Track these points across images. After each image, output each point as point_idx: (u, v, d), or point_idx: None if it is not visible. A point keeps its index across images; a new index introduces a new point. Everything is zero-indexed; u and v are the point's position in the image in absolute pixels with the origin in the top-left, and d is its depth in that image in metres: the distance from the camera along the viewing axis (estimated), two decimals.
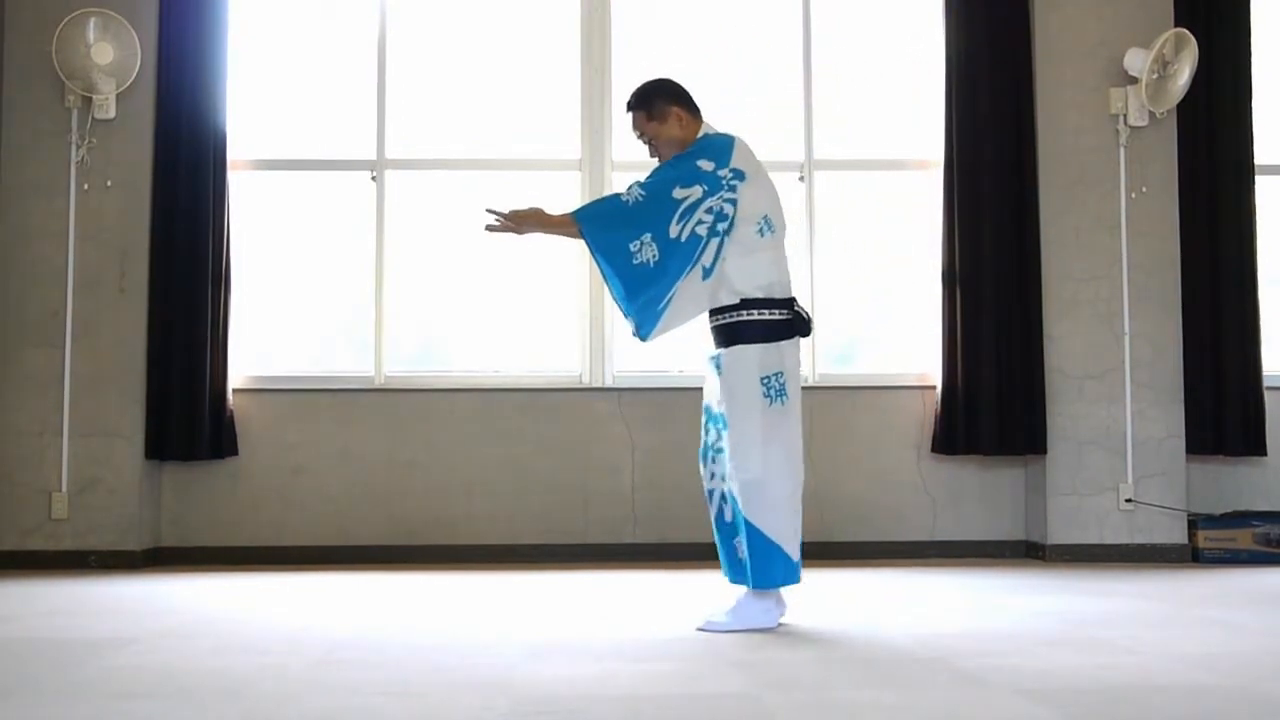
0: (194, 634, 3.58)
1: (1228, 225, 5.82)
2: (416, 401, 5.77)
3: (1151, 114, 5.68)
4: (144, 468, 5.52)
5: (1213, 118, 5.85)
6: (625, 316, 3.67)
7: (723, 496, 3.71)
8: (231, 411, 5.63)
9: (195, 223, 5.56)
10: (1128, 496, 5.60)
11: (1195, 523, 5.63)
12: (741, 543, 3.63)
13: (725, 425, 3.63)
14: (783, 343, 3.61)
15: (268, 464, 5.71)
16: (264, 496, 5.69)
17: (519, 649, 3.29)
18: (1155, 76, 5.59)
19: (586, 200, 5.12)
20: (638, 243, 3.53)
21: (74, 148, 5.55)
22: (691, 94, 3.77)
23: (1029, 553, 5.75)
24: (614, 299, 3.67)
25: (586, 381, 5.82)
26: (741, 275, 3.59)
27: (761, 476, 3.56)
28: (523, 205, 3.66)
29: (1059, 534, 5.60)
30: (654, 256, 3.53)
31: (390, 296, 5.88)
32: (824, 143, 5.98)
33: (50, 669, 3.03)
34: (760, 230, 3.60)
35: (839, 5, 6.08)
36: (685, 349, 5.96)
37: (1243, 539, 5.59)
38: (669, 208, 3.53)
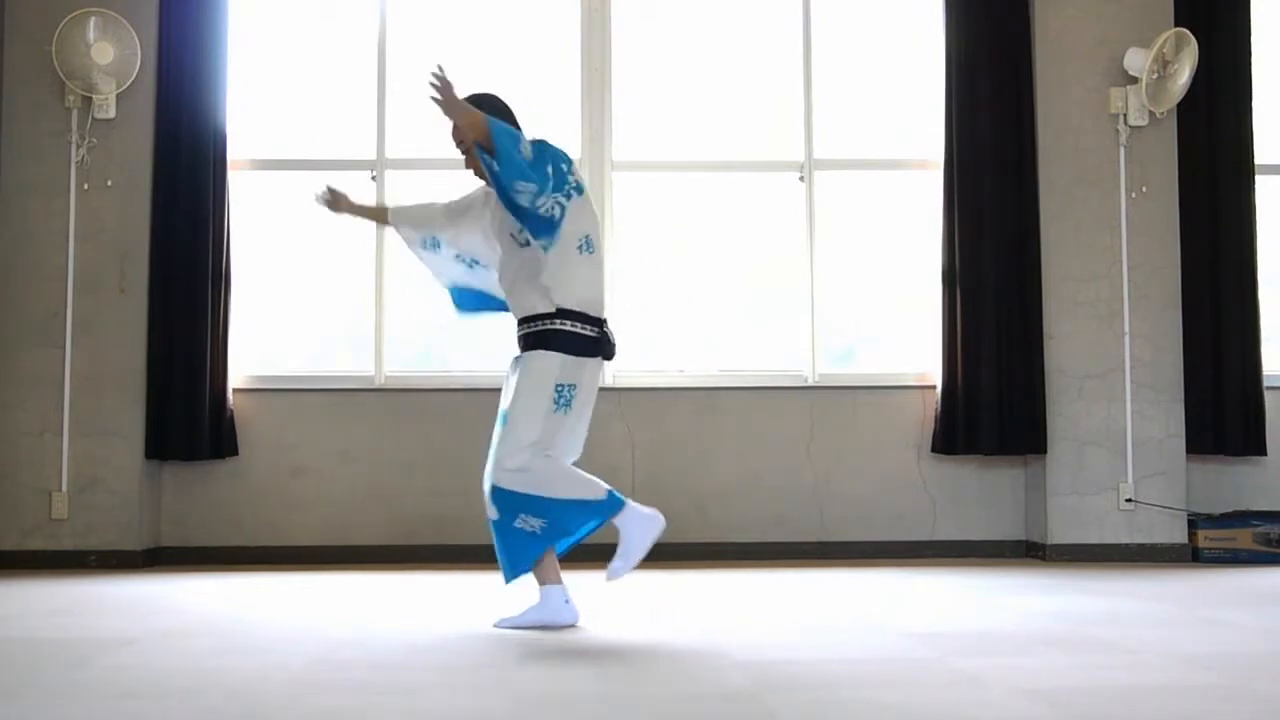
0: (194, 634, 3.58)
1: (1228, 225, 5.82)
2: (416, 401, 5.78)
3: (1151, 114, 5.68)
4: (144, 468, 5.53)
5: (1213, 118, 5.85)
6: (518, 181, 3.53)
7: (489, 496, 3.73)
8: (231, 411, 5.63)
9: (195, 223, 5.56)
10: (1128, 496, 5.60)
11: (1195, 522, 5.63)
12: (526, 519, 3.66)
13: (503, 423, 3.70)
14: (585, 359, 3.68)
15: (268, 464, 5.71)
16: (264, 496, 5.70)
17: (519, 649, 3.29)
18: (1155, 76, 5.59)
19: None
20: (524, 184, 3.49)
21: (74, 148, 5.55)
22: (513, 111, 3.79)
23: (1029, 553, 5.75)
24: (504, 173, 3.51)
25: None
26: (560, 286, 3.65)
27: (528, 464, 3.62)
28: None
29: (1059, 534, 5.60)
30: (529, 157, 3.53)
31: (390, 296, 5.88)
32: (824, 143, 5.99)
33: (50, 669, 3.03)
34: (581, 247, 3.67)
35: (839, 5, 6.08)
36: (685, 349, 5.98)
37: (1243, 539, 5.59)
38: (542, 180, 3.52)
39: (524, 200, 3.50)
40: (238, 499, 5.69)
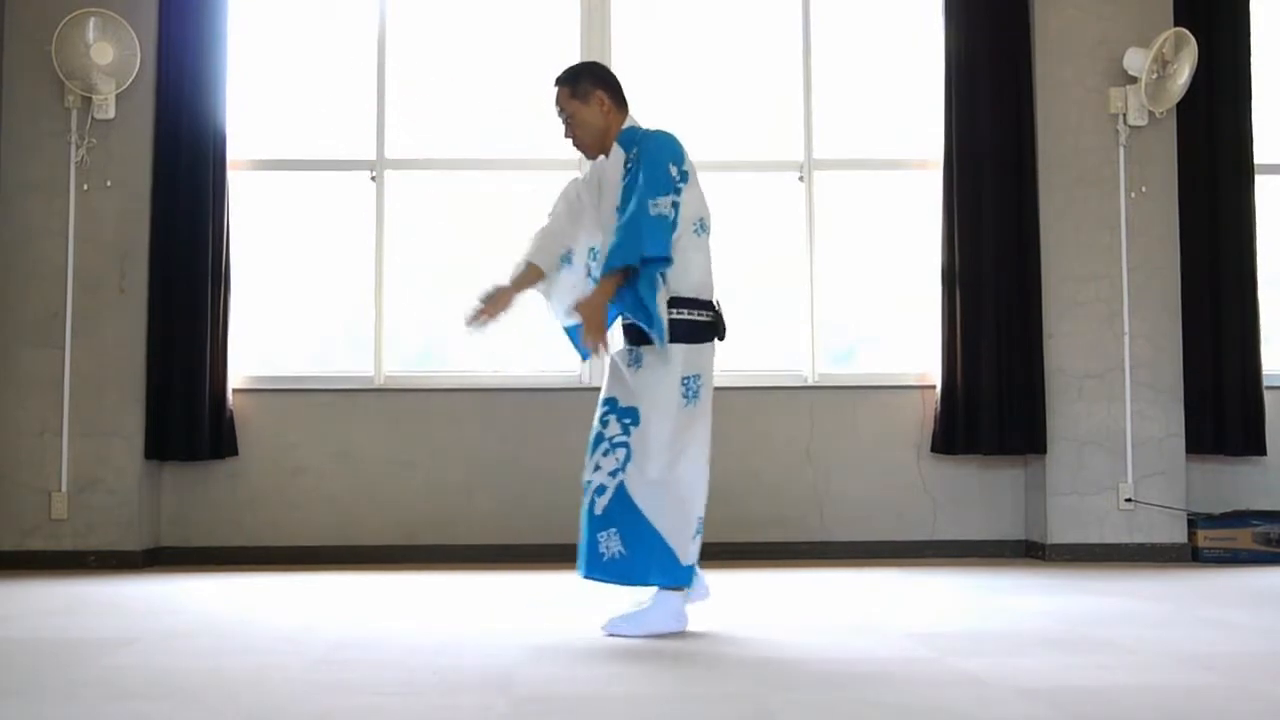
0: (194, 634, 3.58)
1: (1228, 225, 5.82)
2: (416, 401, 5.78)
3: (1151, 114, 5.68)
4: (144, 468, 5.53)
5: (1213, 118, 5.85)
6: (652, 327, 3.51)
7: (599, 489, 3.56)
8: (231, 411, 5.63)
9: (195, 223, 5.56)
10: (1128, 496, 5.60)
11: (1195, 522, 5.63)
12: (612, 538, 3.52)
13: (635, 421, 3.56)
14: (704, 345, 3.61)
15: (268, 464, 5.71)
16: (264, 496, 5.70)
17: (519, 649, 3.29)
18: (1155, 76, 5.59)
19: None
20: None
21: (74, 148, 5.55)
22: (622, 85, 3.77)
23: (1029, 552, 5.75)
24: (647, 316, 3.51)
25: (586, 381, 5.81)
26: (674, 274, 3.55)
27: (665, 476, 3.52)
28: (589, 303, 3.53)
29: (1059, 534, 5.60)
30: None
31: (390, 296, 5.88)
32: (824, 143, 5.98)
33: (50, 669, 3.03)
34: (696, 230, 3.60)
35: (839, 5, 6.08)
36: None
37: (1242, 539, 5.59)
38: (664, 227, 3.50)
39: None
40: (238, 499, 5.69)
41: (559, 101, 3.75)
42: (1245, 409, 5.76)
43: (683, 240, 3.57)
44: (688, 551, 3.54)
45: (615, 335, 3.69)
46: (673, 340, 3.54)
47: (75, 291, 5.54)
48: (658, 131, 3.67)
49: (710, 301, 3.64)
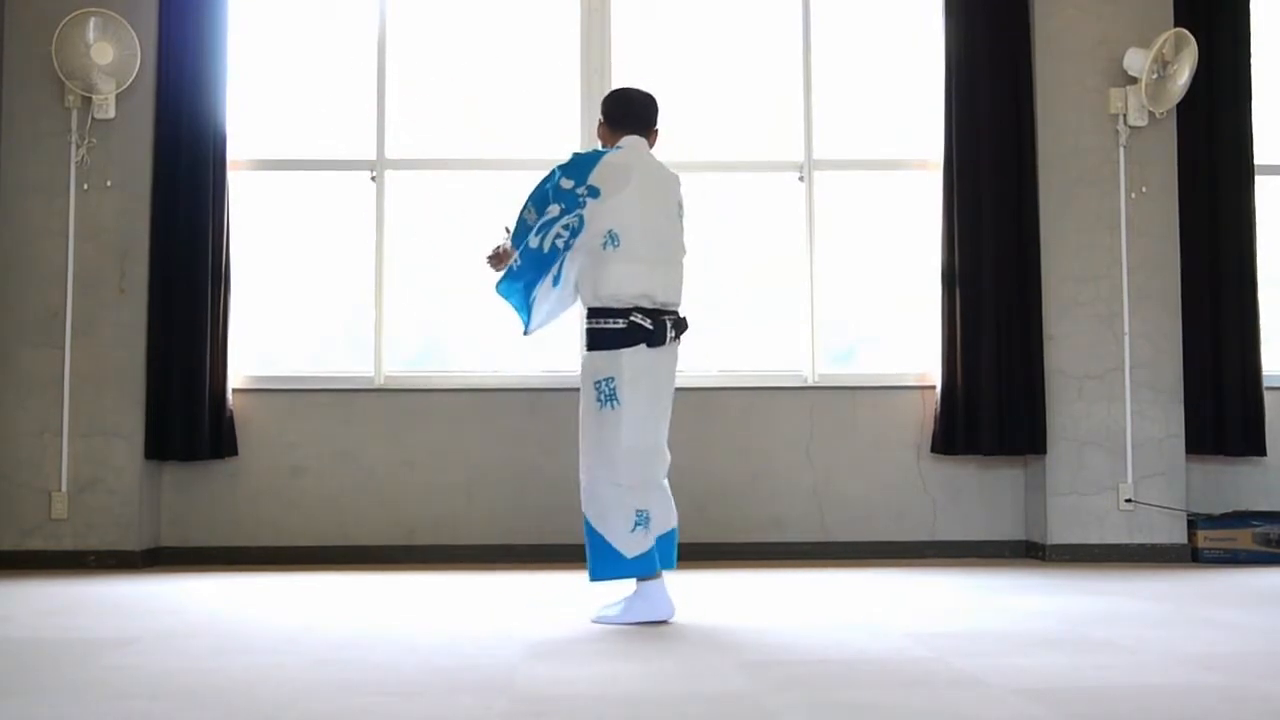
0: (194, 634, 3.58)
1: (1228, 225, 5.82)
2: (416, 401, 5.78)
3: (1151, 114, 5.68)
4: (144, 468, 5.53)
5: (1213, 118, 5.85)
6: (514, 310, 4.02)
7: None
8: (231, 411, 5.63)
9: (195, 223, 5.56)
10: (1127, 496, 5.60)
11: (1195, 523, 5.63)
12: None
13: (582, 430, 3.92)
14: (620, 350, 3.79)
15: (268, 464, 5.71)
16: (264, 496, 5.70)
17: (519, 649, 3.30)
18: (1155, 76, 5.59)
19: None
20: (518, 256, 3.93)
21: (74, 148, 5.55)
22: (634, 107, 4.05)
23: (1029, 553, 5.75)
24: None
25: None
26: (587, 287, 3.86)
27: (589, 476, 3.82)
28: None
29: (1059, 534, 5.60)
30: (516, 263, 3.92)
31: (390, 296, 5.88)
32: (824, 143, 5.98)
33: (50, 669, 3.03)
34: (604, 244, 3.79)
35: (839, 5, 6.08)
36: (684, 350, 5.96)
37: (1242, 539, 5.59)
38: (524, 228, 3.93)
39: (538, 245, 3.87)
40: (237, 499, 5.69)
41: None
42: (1245, 409, 5.76)
43: (594, 252, 3.82)
44: (628, 544, 3.76)
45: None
46: (590, 348, 3.86)
47: (75, 291, 5.54)
48: (590, 151, 3.99)
49: (624, 309, 3.80)
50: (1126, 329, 5.67)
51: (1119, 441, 5.64)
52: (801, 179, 5.94)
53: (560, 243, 3.81)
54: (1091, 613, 3.94)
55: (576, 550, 5.64)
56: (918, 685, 2.82)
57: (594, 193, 3.79)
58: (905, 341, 6.00)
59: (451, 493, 5.73)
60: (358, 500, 5.72)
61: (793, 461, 5.79)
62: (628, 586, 3.86)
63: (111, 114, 5.56)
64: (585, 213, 3.79)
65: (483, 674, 2.95)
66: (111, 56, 5.46)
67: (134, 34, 5.50)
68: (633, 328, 3.78)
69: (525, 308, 3.99)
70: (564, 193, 3.82)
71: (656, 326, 3.80)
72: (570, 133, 5.93)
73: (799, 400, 5.82)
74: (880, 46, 6.13)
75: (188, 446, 5.53)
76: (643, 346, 3.79)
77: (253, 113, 5.93)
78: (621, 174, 3.83)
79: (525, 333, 4.05)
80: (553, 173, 3.90)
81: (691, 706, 2.62)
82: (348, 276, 5.96)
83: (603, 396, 3.78)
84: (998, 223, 5.70)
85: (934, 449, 5.75)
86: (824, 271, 5.95)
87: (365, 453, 5.74)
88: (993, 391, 5.63)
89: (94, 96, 5.51)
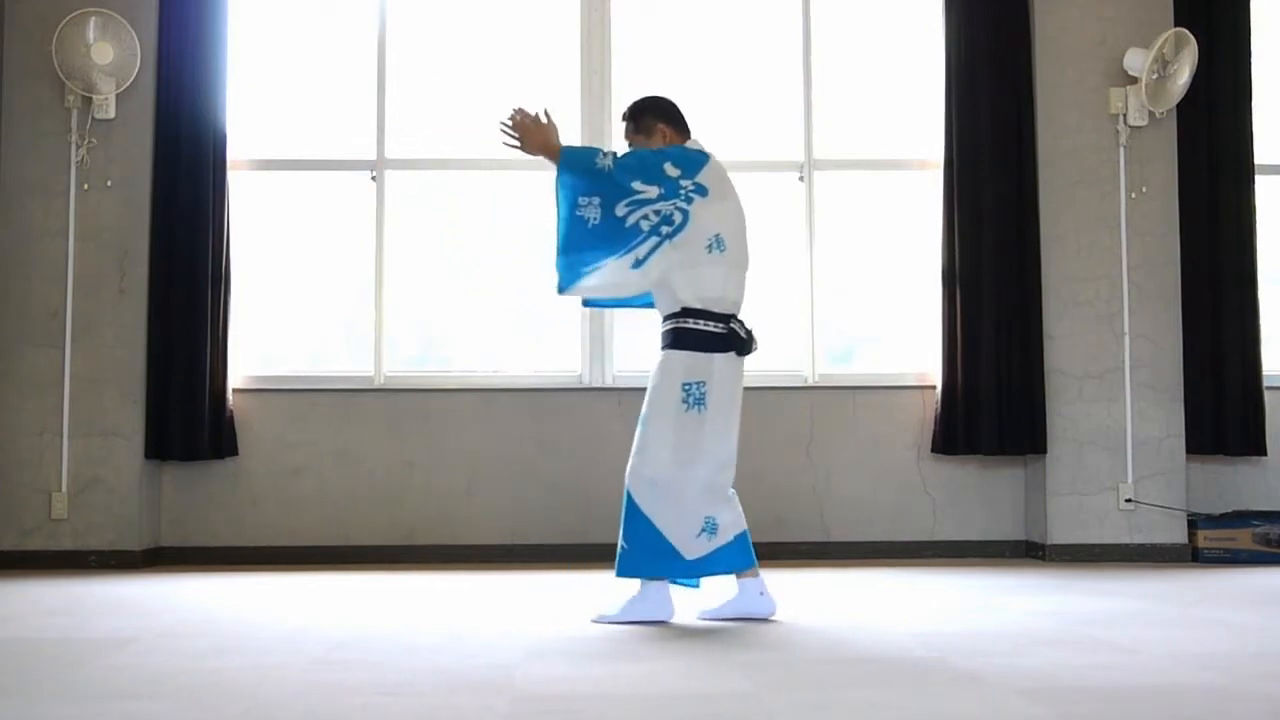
0: (194, 634, 3.58)
1: (1228, 225, 5.82)
2: (416, 401, 5.78)
3: (1151, 114, 5.68)
4: (144, 468, 5.53)
5: (1213, 118, 5.85)
6: (555, 264, 3.80)
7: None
8: (231, 411, 5.63)
9: (195, 223, 5.56)
10: (1128, 496, 5.60)
11: (1195, 523, 5.63)
12: (622, 534, 3.75)
13: (642, 423, 3.78)
14: (713, 355, 3.73)
15: (268, 464, 5.71)
16: (264, 496, 5.70)
17: (519, 649, 3.29)
18: (1155, 76, 5.59)
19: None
20: (587, 199, 3.73)
21: (74, 148, 5.55)
22: (682, 112, 3.98)
23: (1029, 553, 5.75)
24: (556, 240, 3.79)
25: (586, 381, 5.82)
26: (685, 285, 3.73)
27: (661, 475, 3.70)
28: (541, 118, 3.85)
29: (1059, 534, 5.60)
30: (595, 218, 3.72)
31: (390, 296, 5.89)
32: (824, 143, 5.98)
33: (50, 669, 3.03)
34: (710, 247, 3.73)
35: (839, 5, 6.08)
36: None
37: (1242, 539, 5.59)
38: (623, 190, 3.71)
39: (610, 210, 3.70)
40: (238, 499, 5.69)
41: (626, 135, 3.99)
42: (1245, 409, 5.76)
43: (695, 252, 3.72)
44: (690, 547, 3.71)
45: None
46: (680, 346, 3.74)
47: (75, 291, 5.54)
48: (696, 149, 3.86)
49: (725, 315, 3.75)
50: (1126, 329, 5.67)
51: (1119, 441, 5.64)
52: (801, 179, 5.94)
53: (646, 225, 3.69)
54: (1091, 612, 3.94)
55: (577, 550, 5.67)
56: (918, 685, 2.82)
57: (702, 191, 3.73)
58: (905, 341, 6.00)
59: (451, 493, 5.73)
60: (358, 500, 5.72)
61: (793, 461, 5.79)
62: (629, 587, 3.84)
63: (111, 114, 5.56)
64: (691, 209, 3.70)
65: (483, 674, 2.95)
66: (111, 56, 5.46)
67: (134, 34, 5.50)
68: (731, 334, 3.74)
69: (579, 272, 3.76)
70: (669, 179, 3.71)
71: (749, 336, 3.78)
72: (570, 133, 5.92)
73: (799, 400, 5.82)
74: (880, 46, 6.13)
75: (188, 446, 5.53)
76: (733, 354, 3.76)
77: (252, 112, 5.93)
78: (727, 180, 3.83)
79: (561, 291, 3.80)
80: (663, 151, 3.77)
81: (691, 706, 2.62)
82: (347, 276, 5.96)
83: (691, 399, 3.70)
84: (998, 223, 5.70)
85: (934, 449, 5.75)
86: (824, 271, 5.95)
87: (365, 453, 5.74)
88: (993, 391, 5.63)
89: (94, 96, 5.51)
